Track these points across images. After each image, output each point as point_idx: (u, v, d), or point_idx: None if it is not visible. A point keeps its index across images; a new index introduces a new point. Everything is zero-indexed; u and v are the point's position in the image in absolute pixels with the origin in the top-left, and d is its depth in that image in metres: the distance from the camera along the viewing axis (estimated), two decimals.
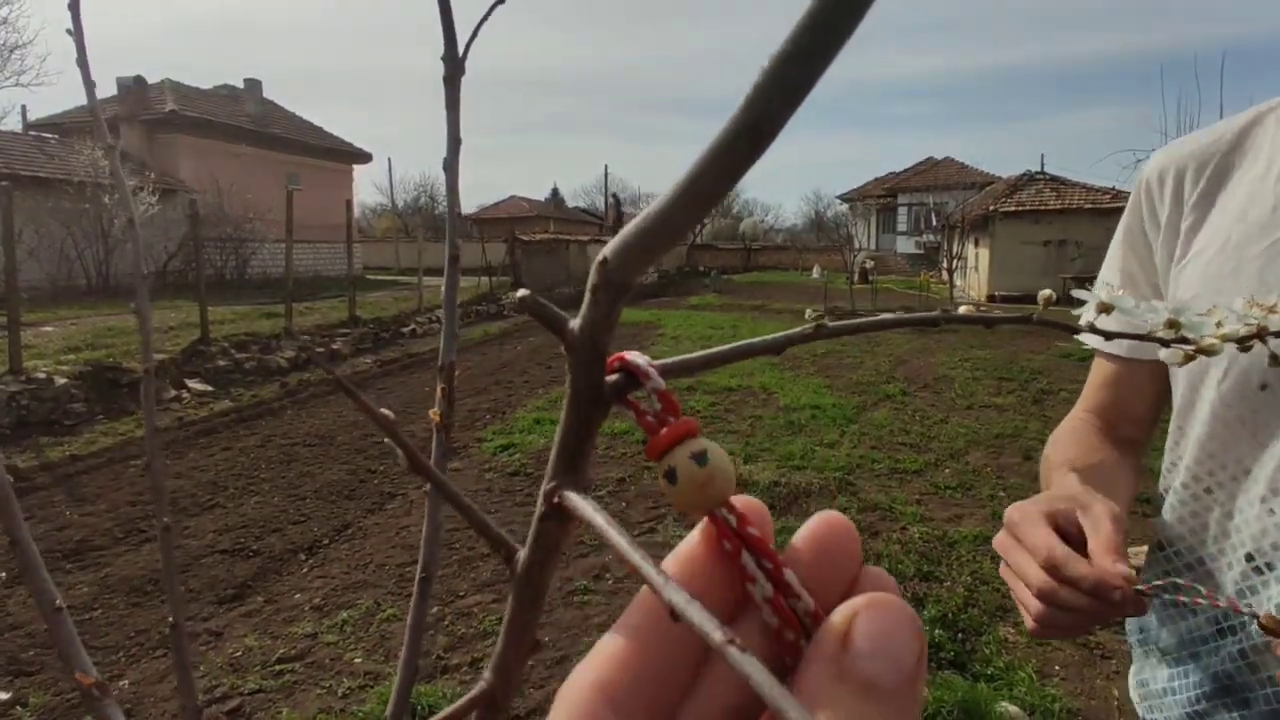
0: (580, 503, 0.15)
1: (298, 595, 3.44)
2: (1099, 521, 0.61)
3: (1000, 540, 0.63)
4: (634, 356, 0.16)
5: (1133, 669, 0.90)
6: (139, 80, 20.27)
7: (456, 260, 0.37)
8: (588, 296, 0.14)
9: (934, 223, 29.04)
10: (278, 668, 2.84)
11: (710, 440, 0.18)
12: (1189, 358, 0.36)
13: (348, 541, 4.02)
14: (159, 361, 7.78)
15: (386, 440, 0.19)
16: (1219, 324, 0.34)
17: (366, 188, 73.39)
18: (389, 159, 43.75)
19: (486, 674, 0.17)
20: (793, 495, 4.50)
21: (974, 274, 21.74)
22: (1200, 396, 0.78)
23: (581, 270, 21.84)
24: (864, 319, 0.22)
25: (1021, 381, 8.17)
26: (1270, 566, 0.71)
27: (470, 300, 15.65)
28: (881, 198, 35.54)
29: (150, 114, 19.74)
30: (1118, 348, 0.90)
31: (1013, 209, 19.90)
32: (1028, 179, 21.50)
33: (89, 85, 0.50)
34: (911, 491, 4.69)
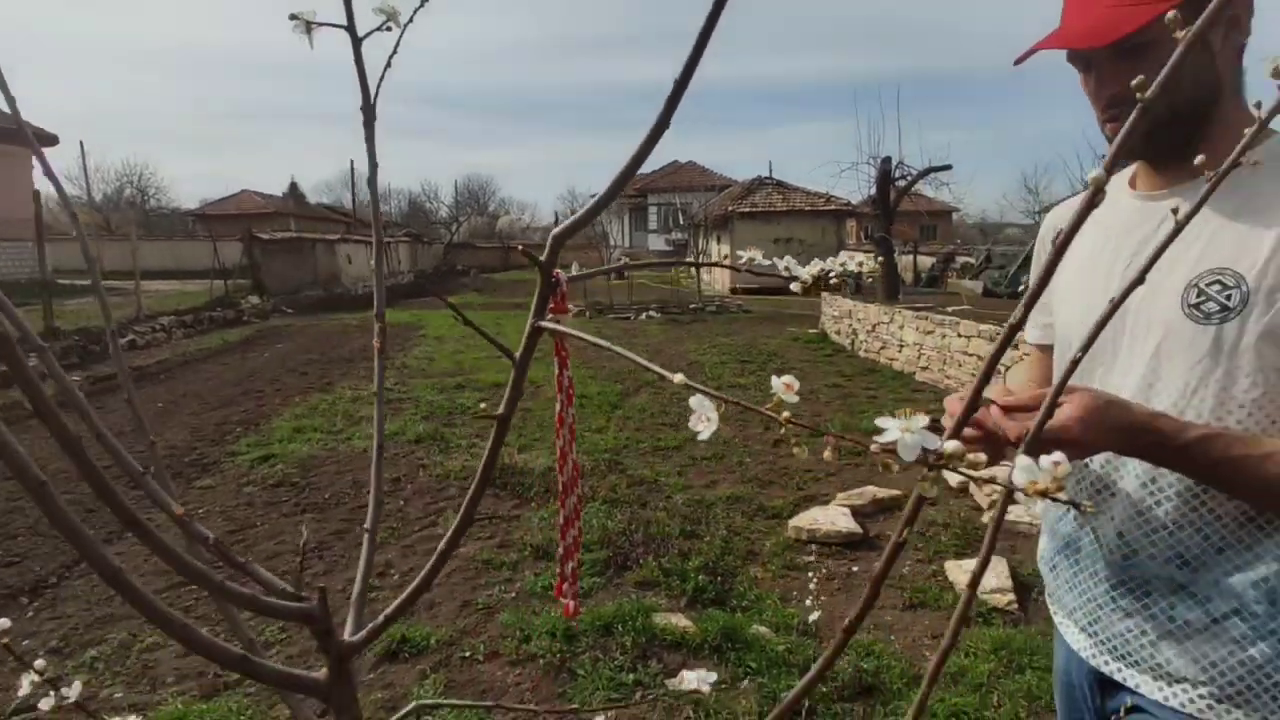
0: (550, 324, 0.35)
1: (26, 641, 3.03)
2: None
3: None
4: (561, 274, 0.36)
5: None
6: None
7: (382, 246, 0.52)
8: (547, 250, 0.34)
9: (681, 221, 31.28)
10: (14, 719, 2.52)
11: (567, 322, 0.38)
12: (804, 287, 0.60)
13: (83, 577, 3.58)
14: None
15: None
16: (788, 269, 0.59)
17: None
18: (81, 143, 37.15)
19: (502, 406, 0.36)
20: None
21: (718, 269, 23.78)
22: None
23: (330, 271, 20.44)
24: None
25: (760, 363, 9.25)
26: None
27: (202, 306, 14.04)
28: (633, 197, 37.46)
29: None
30: (1031, 337, 1.20)
31: (748, 210, 22.20)
32: (759, 183, 24.12)
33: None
34: (673, 465, 5.20)
